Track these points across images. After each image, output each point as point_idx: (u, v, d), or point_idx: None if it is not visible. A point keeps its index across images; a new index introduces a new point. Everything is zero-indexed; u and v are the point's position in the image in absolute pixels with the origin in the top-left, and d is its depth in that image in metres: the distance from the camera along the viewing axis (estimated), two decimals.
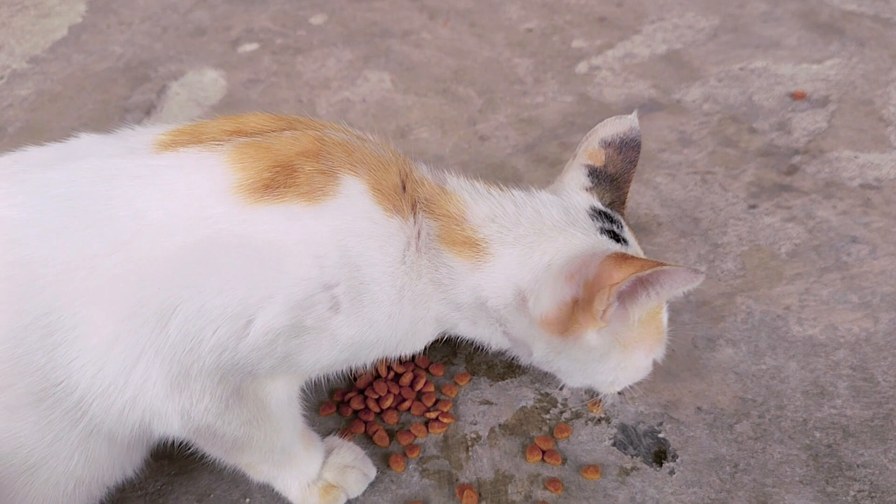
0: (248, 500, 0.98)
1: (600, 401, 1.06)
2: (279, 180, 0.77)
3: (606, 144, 0.96)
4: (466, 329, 0.93)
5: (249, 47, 1.93)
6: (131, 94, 1.78)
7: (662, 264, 0.77)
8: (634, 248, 0.92)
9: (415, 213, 0.84)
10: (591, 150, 0.96)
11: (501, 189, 0.91)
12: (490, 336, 0.94)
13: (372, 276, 0.80)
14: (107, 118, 1.70)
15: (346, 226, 0.78)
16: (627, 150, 0.96)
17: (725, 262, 1.27)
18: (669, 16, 1.95)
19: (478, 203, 0.88)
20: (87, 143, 0.85)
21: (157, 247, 0.74)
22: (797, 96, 1.63)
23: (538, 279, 0.85)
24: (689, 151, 1.50)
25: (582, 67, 1.79)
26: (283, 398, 0.87)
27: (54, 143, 0.85)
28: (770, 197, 1.39)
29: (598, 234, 0.89)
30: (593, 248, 0.86)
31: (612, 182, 0.96)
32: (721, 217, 1.35)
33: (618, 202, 0.97)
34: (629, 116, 0.97)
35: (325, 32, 1.98)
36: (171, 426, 0.80)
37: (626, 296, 0.82)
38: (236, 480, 0.98)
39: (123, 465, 0.87)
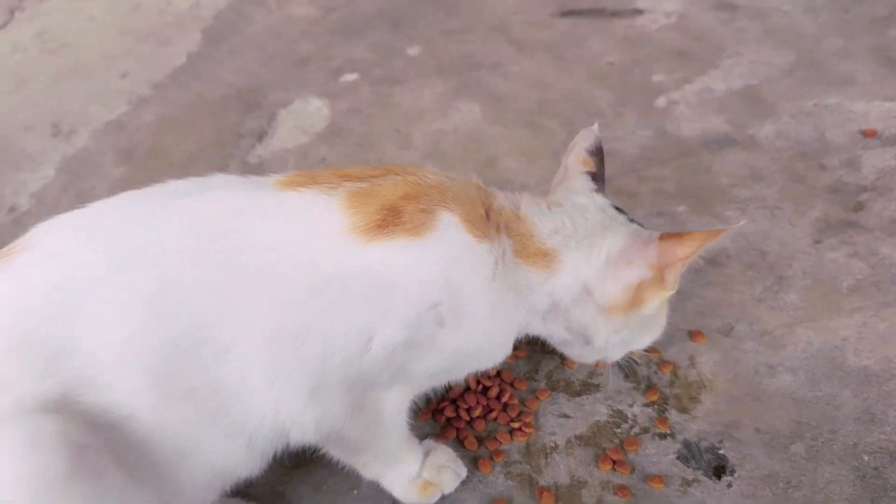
0: (355, 491, 1.13)
1: (667, 419, 1.18)
2: (388, 220, 0.92)
3: (591, 153, 1.15)
4: (537, 327, 1.09)
5: (350, 77, 2.09)
6: (244, 121, 1.96)
7: (719, 231, 1.01)
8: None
9: (499, 236, 1.00)
10: (583, 158, 1.14)
11: (560, 205, 1.07)
12: (554, 330, 1.09)
13: (469, 293, 0.95)
14: (222, 143, 1.88)
15: (445, 253, 0.94)
16: (599, 154, 1.15)
17: (789, 293, 1.36)
18: (746, 51, 2.04)
19: (543, 221, 1.04)
20: (218, 179, 1.01)
21: (293, 281, 0.90)
22: (868, 134, 1.70)
23: (600, 271, 1.02)
24: (759, 187, 1.60)
25: (661, 102, 1.89)
26: (395, 408, 1.02)
27: (193, 178, 1.01)
28: (835, 233, 1.47)
29: (630, 223, 1.07)
30: (636, 236, 1.04)
31: (599, 182, 1.14)
32: (787, 251, 1.44)
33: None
34: (593, 128, 1.17)
35: (420, 64, 2.13)
36: (307, 433, 0.96)
37: None
38: (346, 475, 1.12)
39: (252, 464, 1.00)
